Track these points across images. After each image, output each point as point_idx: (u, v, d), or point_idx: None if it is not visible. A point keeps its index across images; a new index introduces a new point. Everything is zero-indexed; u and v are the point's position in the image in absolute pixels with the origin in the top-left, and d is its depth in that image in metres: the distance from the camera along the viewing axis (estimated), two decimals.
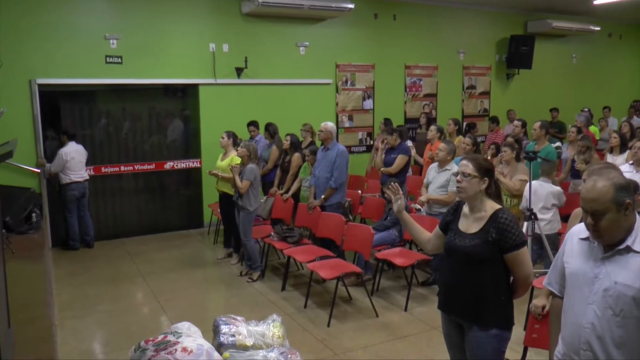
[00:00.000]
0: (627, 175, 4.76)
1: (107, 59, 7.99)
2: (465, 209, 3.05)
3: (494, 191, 3.02)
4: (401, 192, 3.27)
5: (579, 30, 12.49)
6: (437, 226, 3.22)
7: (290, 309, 5.64)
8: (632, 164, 5.54)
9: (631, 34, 14.43)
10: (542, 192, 5.83)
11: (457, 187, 3.02)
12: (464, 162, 3.02)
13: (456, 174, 3.02)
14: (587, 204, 2.25)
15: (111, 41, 7.97)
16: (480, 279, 2.90)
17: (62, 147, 7.58)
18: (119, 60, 8.06)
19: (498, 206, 2.96)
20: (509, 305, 2.97)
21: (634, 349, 2.22)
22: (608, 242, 2.27)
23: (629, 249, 2.23)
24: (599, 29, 12.73)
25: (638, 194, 2.50)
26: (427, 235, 3.29)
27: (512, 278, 2.96)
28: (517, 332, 3.33)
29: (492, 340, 2.91)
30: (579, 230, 2.45)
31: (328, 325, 5.21)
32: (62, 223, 7.89)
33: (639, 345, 2.22)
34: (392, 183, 3.45)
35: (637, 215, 2.28)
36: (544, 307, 3.34)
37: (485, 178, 2.96)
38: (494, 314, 2.90)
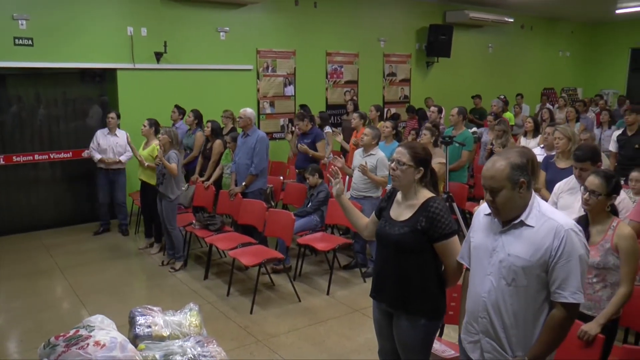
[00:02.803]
0: (538, 158, 5.05)
1: (16, 40, 7.53)
2: (399, 196, 3.01)
3: (430, 180, 2.97)
4: (340, 175, 3.26)
5: (495, 21, 12.99)
6: (374, 212, 3.18)
7: (213, 298, 5.63)
8: (543, 147, 5.88)
9: (541, 26, 15.16)
10: None
11: (392, 175, 2.96)
12: (401, 149, 2.95)
13: (391, 161, 2.97)
14: (486, 181, 2.43)
15: (20, 21, 7.53)
16: (408, 268, 2.88)
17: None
18: (30, 42, 7.63)
19: (431, 194, 2.91)
20: (440, 295, 2.94)
21: (524, 316, 2.42)
22: (505, 219, 2.45)
23: (522, 223, 2.42)
24: (512, 20, 13.32)
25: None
26: (365, 221, 3.25)
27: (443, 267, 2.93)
28: None
29: (419, 329, 2.91)
30: (485, 207, 2.62)
31: (251, 312, 5.25)
32: None
33: (528, 313, 2.41)
34: (333, 166, 3.45)
35: (533, 193, 2.47)
36: None
37: (421, 168, 2.90)
38: (422, 303, 2.88)
